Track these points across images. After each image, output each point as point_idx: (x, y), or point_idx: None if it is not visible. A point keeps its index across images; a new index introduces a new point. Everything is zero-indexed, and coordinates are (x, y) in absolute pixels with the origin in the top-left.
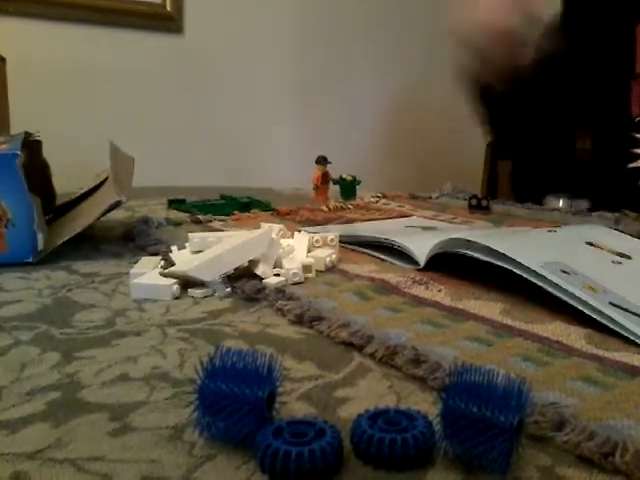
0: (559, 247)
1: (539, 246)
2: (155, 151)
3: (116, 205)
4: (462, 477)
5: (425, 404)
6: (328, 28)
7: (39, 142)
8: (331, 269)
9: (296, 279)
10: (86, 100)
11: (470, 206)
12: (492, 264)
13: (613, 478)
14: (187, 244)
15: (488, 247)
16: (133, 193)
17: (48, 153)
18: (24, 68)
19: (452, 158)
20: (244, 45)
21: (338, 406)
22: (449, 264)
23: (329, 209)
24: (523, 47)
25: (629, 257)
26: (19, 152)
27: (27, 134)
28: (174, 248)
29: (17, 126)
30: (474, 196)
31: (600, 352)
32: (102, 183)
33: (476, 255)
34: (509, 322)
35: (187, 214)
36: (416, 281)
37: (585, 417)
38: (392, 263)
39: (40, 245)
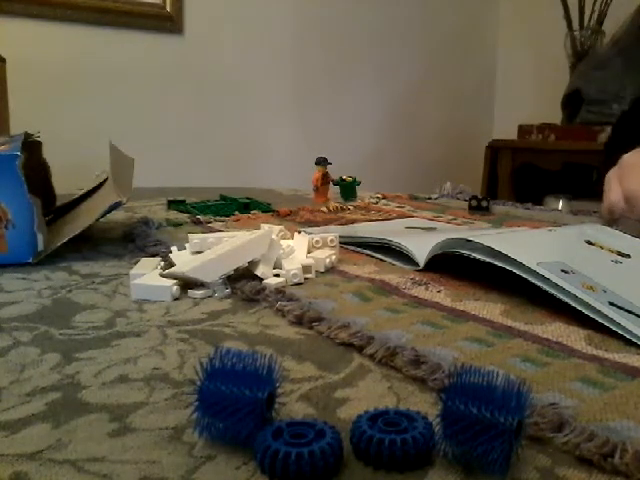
0: (559, 246)
1: (539, 245)
2: (155, 152)
3: (116, 206)
4: (462, 478)
5: (425, 405)
6: (329, 28)
7: (39, 142)
8: (331, 270)
9: (296, 280)
10: (86, 100)
11: (470, 207)
12: (492, 265)
13: (612, 479)
14: (187, 245)
15: (487, 247)
16: (133, 194)
17: (48, 153)
18: (24, 68)
19: (452, 158)
20: (244, 46)
21: (338, 407)
22: (449, 265)
23: (329, 210)
24: None
25: (629, 256)
26: (19, 153)
27: (27, 134)
28: (174, 249)
29: (17, 126)
30: (474, 197)
31: (600, 353)
32: (102, 184)
33: (476, 255)
34: (509, 323)
35: (187, 215)
36: (416, 282)
37: (585, 418)
38: (392, 264)
39: (40, 246)
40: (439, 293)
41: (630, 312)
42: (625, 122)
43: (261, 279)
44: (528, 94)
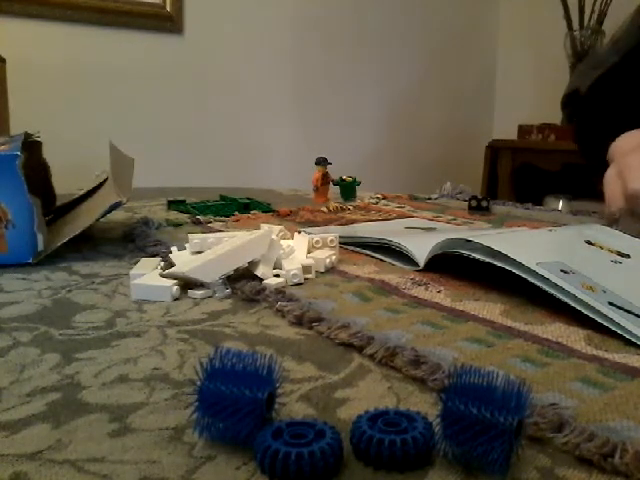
0: (558, 246)
1: (538, 246)
2: (155, 152)
3: (116, 206)
4: (462, 478)
5: (425, 405)
6: (329, 28)
7: (39, 143)
8: (331, 270)
9: (296, 280)
10: (86, 100)
11: (470, 207)
12: (492, 265)
13: (612, 479)
14: (187, 245)
15: (487, 247)
16: (133, 194)
17: (48, 153)
18: (24, 68)
19: (452, 158)
20: (244, 46)
21: (338, 407)
22: (449, 265)
23: (329, 210)
24: None
25: (628, 256)
26: (19, 153)
27: (27, 134)
28: (174, 249)
29: (17, 126)
30: (474, 197)
31: (600, 353)
32: (102, 184)
33: (475, 255)
34: (509, 323)
35: (187, 215)
36: (416, 282)
37: (585, 418)
38: (392, 264)
39: (40, 246)
40: (439, 293)
41: (630, 312)
42: (605, 90)
43: (261, 279)
44: (528, 94)
